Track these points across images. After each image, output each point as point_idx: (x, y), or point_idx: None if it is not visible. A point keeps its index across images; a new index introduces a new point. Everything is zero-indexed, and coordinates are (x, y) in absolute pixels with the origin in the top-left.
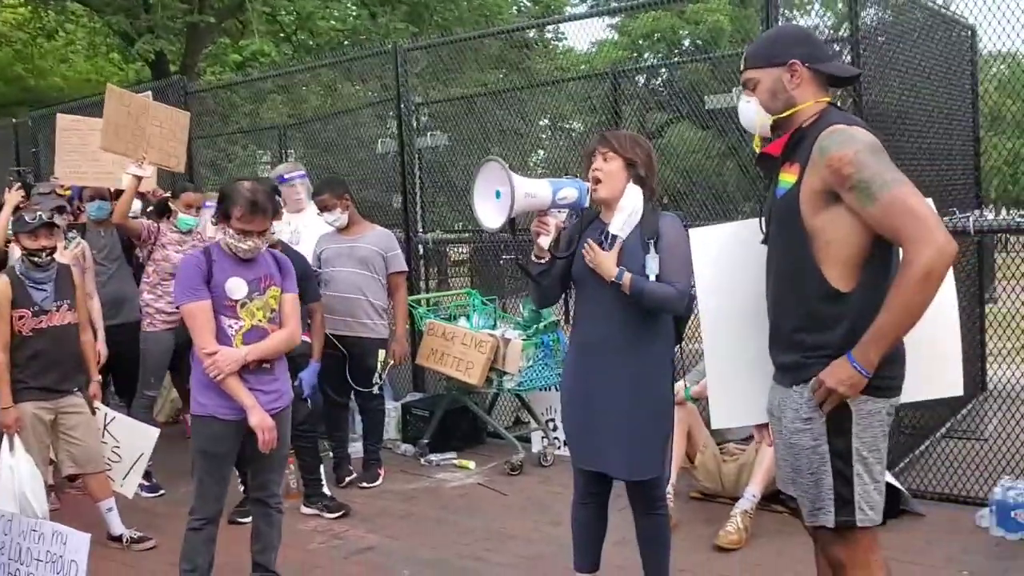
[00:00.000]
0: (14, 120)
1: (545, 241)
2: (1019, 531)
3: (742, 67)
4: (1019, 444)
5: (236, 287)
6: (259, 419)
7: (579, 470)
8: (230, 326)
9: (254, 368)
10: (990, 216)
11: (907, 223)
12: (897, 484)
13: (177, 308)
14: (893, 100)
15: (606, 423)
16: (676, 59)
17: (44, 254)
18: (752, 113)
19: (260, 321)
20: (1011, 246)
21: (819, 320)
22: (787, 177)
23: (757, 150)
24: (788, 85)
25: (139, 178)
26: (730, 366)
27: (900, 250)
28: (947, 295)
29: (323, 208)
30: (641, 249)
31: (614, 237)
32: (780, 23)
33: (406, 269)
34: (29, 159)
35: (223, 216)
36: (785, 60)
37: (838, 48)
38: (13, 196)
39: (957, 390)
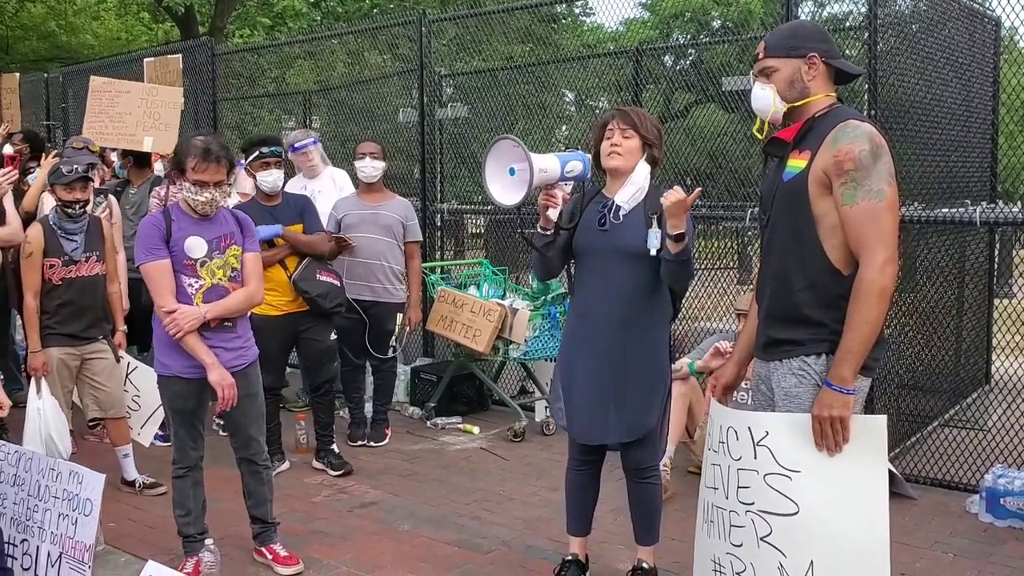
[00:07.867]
0: (46, 75)
1: (553, 214)
2: (1007, 518)
3: (760, 55)
4: (1015, 434)
5: (195, 246)
6: (218, 376)
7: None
8: (190, 285)
9: (216, 326)
10: (1016, 210)
11: (870, 234)
12: (891, 466)
13: (137, 268)
14: (909, 90)
15: (599, 389)
16: (703, 40)
17: (77, 206)
18: (768, 99)
19: (220, 280)
20: None
21: (824, 298)
22: (796, 163)
23: (759, 136)
24: (805, 76)
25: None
26: None
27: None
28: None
29: (373, 156)
30: (644, 224)
31: (618, 208)
32: (800, 8)
33: (421, 239)
34: (58, 114)
35: (179, 172)
36: (805, 53)
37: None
38: (49, 162)
39: None
